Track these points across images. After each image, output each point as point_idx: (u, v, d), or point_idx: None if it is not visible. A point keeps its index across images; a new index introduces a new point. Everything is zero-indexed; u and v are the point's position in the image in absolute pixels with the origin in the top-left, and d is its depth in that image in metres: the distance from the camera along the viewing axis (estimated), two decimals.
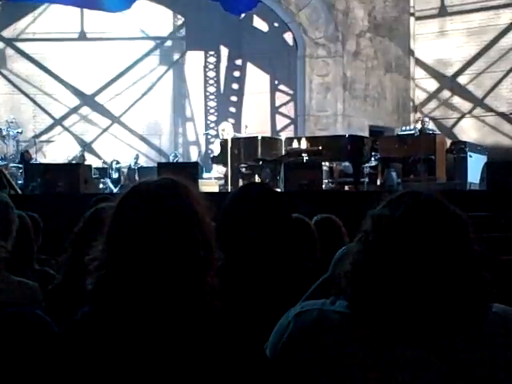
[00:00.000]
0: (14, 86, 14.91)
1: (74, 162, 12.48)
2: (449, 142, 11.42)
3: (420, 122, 10.92)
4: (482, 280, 1.21)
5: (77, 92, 14.97)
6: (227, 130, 10.67)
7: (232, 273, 1.74)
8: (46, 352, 1.30)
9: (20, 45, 15.03)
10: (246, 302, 1.68)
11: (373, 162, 10.47)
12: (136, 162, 13.15)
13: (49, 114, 14.96)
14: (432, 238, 1.18)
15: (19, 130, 12.35)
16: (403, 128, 11.21)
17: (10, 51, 15.02)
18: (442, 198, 1.25)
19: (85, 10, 14.61)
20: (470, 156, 10.32)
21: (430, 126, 11.28)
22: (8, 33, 14.94)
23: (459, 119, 13.41)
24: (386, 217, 1.21)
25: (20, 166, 11.32)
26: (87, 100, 15.04)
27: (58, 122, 14.98)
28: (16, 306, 1.46)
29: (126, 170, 12.99)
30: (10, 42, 15.02)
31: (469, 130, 13.17)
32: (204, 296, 1.25)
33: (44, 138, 14.77)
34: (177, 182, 1.32)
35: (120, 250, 1.24)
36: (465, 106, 13.38)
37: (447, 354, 1.18)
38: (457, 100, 13.47)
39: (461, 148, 10.52)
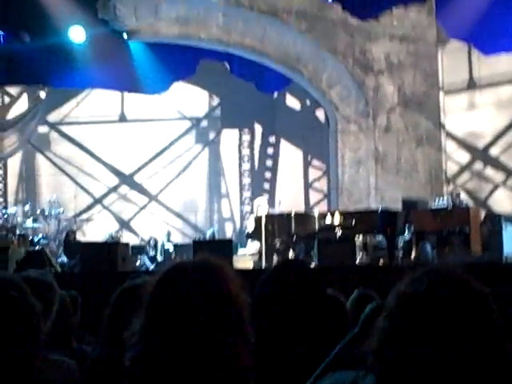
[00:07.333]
0: (57, 167, 15.49)
1: (111, 239, 12.75)
2: (483, 213, 11.36)
3: (450, 196, 10.96)
4: (507, 355, 1.22)
5: (116, 172, 15.47)
6: (262, 205, 10.87)
7: (266, 351, 1.81)
8: None
9: (63, 128, 15.70)
10: (281, 379, 1.75)
11: (407, 236, 10.44)
12: (169, 239, 13.26)
13: (89, 194, 15.43)
14: (454, 315, 1.21)
15: (61, 210, 12.78)
16: (436, 200, 11.21)
17: (54, 134, 15.70)
18: (465, 275, 1.28)
19: (125, 93, 15.29)
20: (505, 228, 10.22)
21: (462, 197, 11.25)
22: (53, 117, 15.66)
23: (493, 190, 13.35)
24: (409, 294, 1.25)
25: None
26: (126, 179, 15.50)
27: (97, 201, 15.43)
28: None
29: (160, 248, 13.15)
30: (54, 126, 15.73)
31: (503, 201, 13.08)
32: (238, 376, 1.31)
33: (84, 216, 15.19)
34: (212, 263, 1.41)
35: (158, 327, 1.33)
36: (498, 177, 13.35)
37: None
38: (489, 171, 13.46)
39: (495, 220, 10.45)
